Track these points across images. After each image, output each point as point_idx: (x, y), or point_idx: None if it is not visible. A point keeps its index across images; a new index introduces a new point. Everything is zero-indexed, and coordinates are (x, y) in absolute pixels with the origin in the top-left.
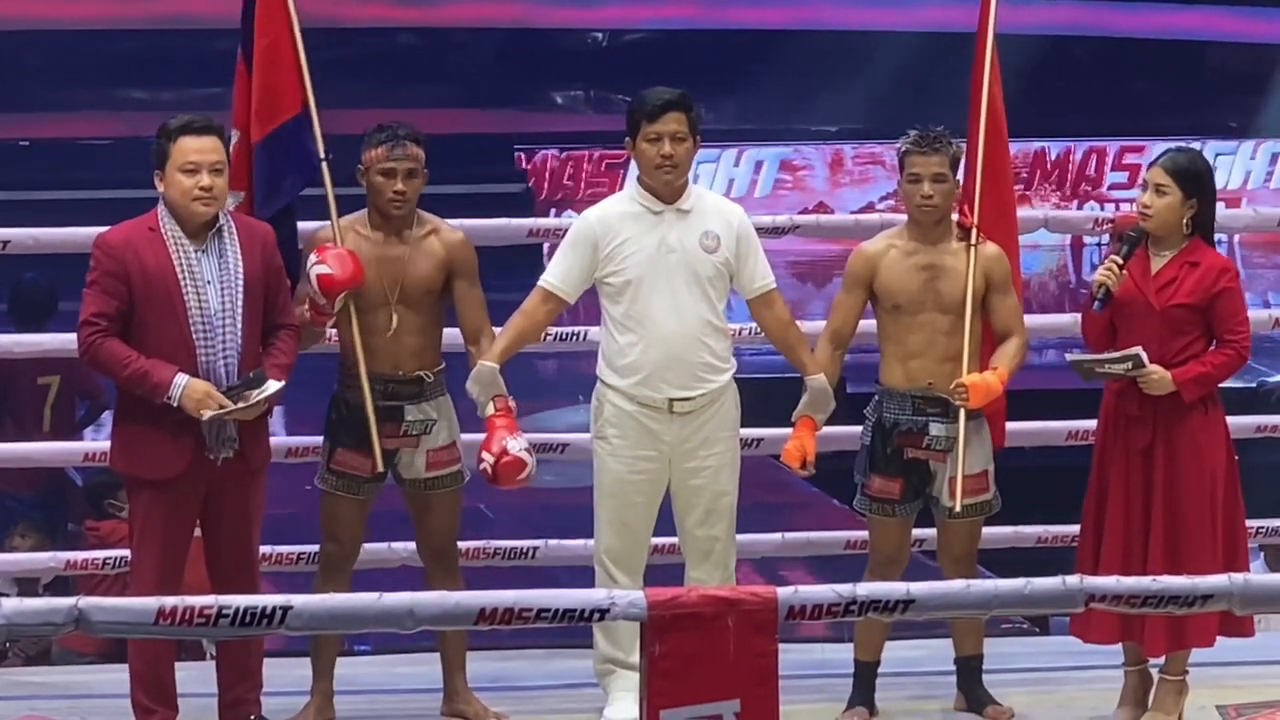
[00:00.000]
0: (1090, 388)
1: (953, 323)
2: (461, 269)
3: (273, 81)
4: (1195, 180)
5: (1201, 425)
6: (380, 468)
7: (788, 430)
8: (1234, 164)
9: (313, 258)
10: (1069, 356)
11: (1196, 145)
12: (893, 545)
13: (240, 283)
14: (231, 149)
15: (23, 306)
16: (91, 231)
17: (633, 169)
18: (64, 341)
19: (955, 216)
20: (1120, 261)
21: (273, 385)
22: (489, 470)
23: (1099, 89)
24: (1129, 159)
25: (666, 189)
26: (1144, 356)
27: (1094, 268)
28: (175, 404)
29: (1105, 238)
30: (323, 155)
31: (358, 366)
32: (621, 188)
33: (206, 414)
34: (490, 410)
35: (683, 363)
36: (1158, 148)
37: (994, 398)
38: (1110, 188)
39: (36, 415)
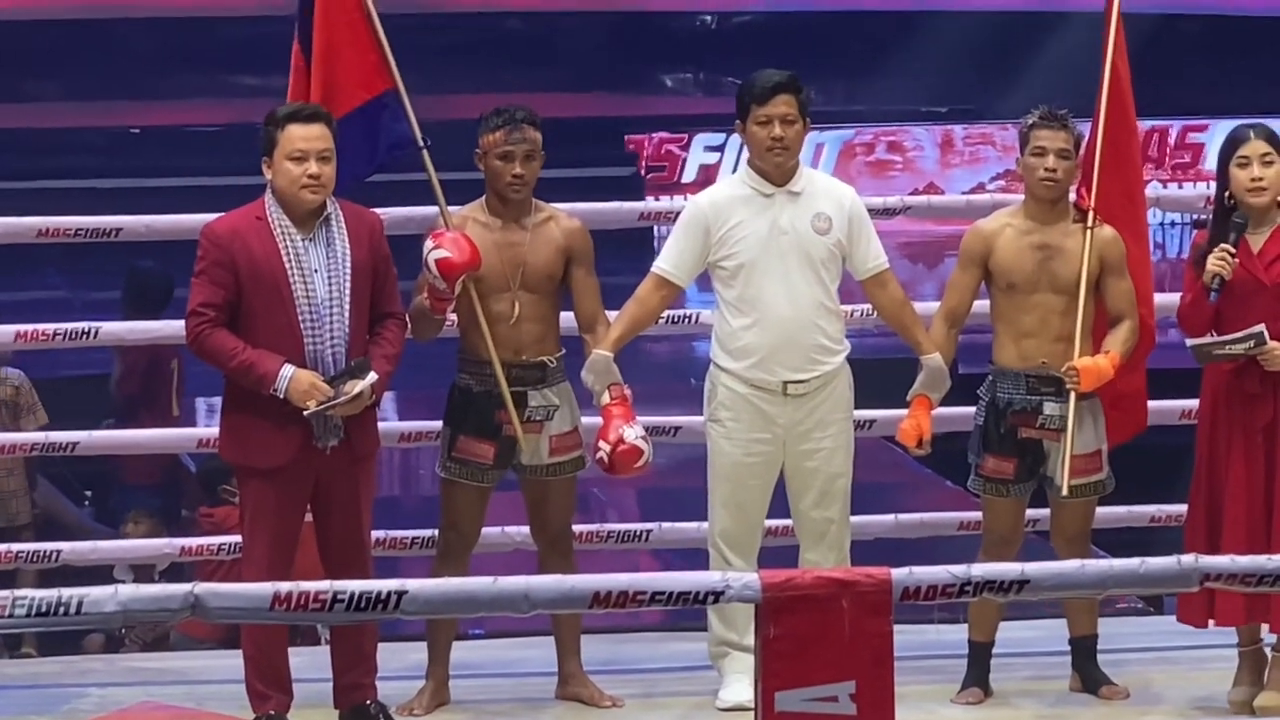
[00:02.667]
0: (1194, 367)
1: (1067, 303)
2: (579, 256)
3: (328, 76)
4: None
5: None
6: (521, 440)
7: (901, 412)
8: None
9: (428, 244)
10: (1189, 342)
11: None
12: (1007, 525)
13: (348, 271)
14: None
15: (139, 294)
16: (203, 219)
17: (694, 154)
18: (176, 329)
19: (1073, 198)
20: (1232, 250)
21: (372, 376)
22: (605, 459)
23: (1169, 67)
24: (1192, 138)
25: (777, 171)
26: (1266, 334)
27: (1158, 247)
28: (282, 395)
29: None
30: (421, 142)
31: (484, 352)
32: (681, 172)
33: (309, 410)
34: (606, 399)
35: (797, 345)
36: (1221, 126)
37: (1105, 381)
38: (1173, 167)
39: (166, 401)
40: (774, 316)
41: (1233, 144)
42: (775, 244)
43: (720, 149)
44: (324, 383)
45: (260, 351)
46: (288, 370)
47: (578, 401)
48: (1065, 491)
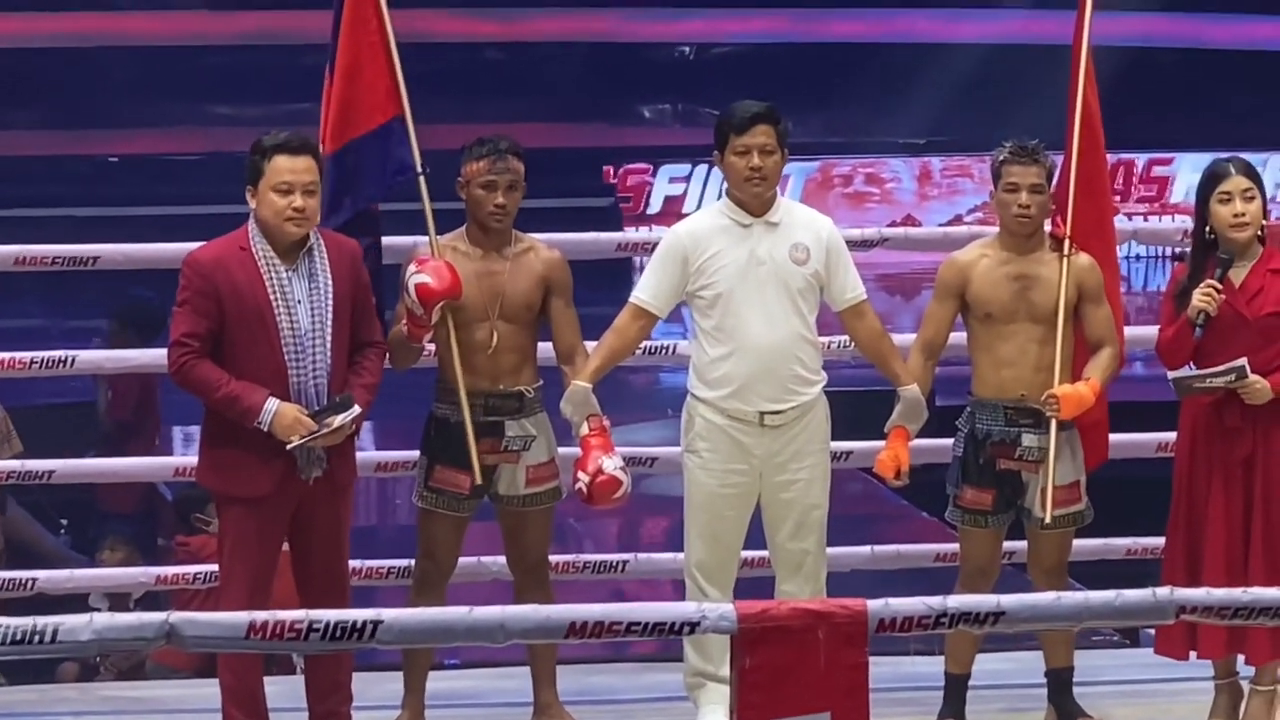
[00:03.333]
0: (1167, 400)
1: (1045, 333)
2: (558, 287)
3: (348, 96)
4: (1262, 183)
5: None
6: (479, 480)
7: (878, 443)
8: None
9: (411, 268)
10: (1170, 376)
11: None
12: (984, 557)
13: (330, 302)
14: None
15: (131, 323)
16: (180, 247)
17: (659, 185)
18: (154, 357)
19: (1048, 227)
20: (1218, 285)
21: (355, 410)
22: (584, 490)
23: (1134, 100)
24: (1157, 171)
25: (755, 201)
26: (1248, 368)
27: (1123, 280)
28: (266, 429)
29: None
30: (420, 169)
31: (457, 382)
32: (647, 203)
33: (293, 444)
34: (584, 430)
35: (774, 375)
36: (1187, 160)
37: (1085, 409)
38: (1138, 200)
39: (154, 429)
40: (751, 346)
41: (1213, 179)
42: (753, 274)
43: (686, 179)
44: (307, 417)
45: (244, 384)
46: (272, 404)
47: (555, 432)
48: (1047, 521)
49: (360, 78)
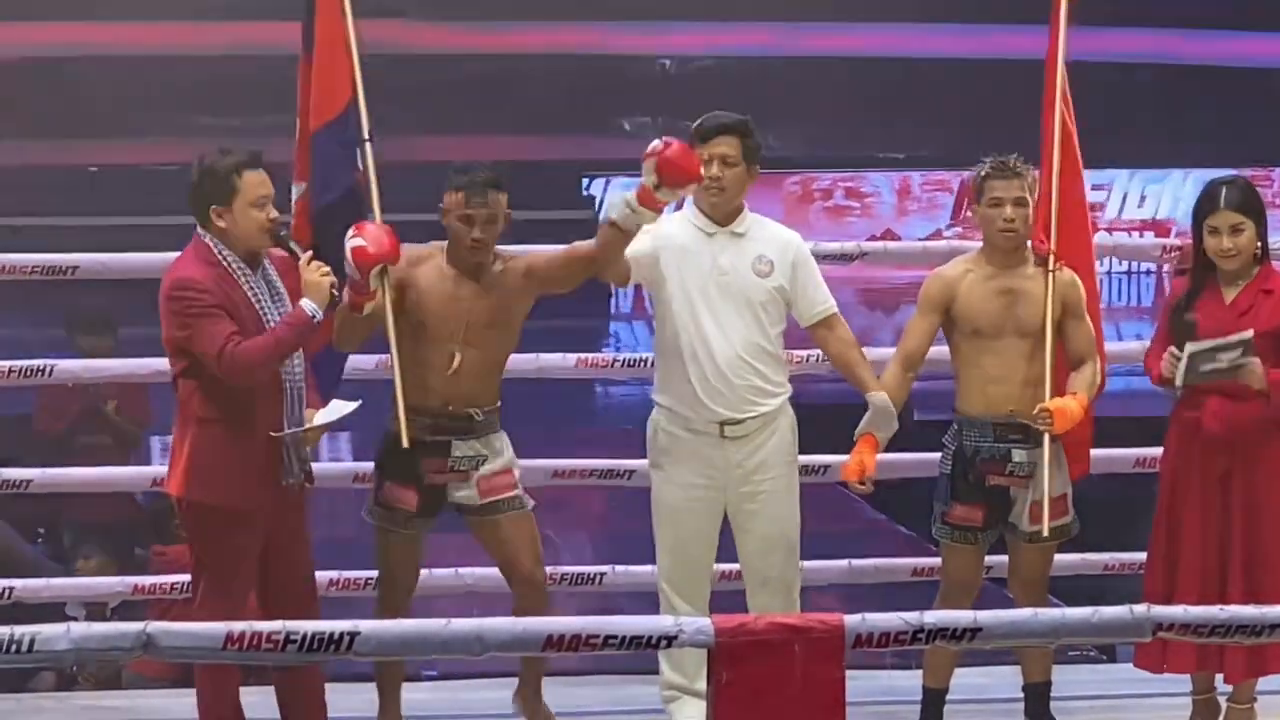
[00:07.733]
0: (1154, 415)
1: (1032, 347)
2: (537, 265)
3: (330, 73)
4: (1260, 204)
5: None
6: (405, 442)
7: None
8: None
9: (350, 232)
10: (1188, 348)
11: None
12: (970, 572)
13: (287, 303)
14: (295, 139)
15: (79, 331)
16: (158, 257)
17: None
18: (132, 367)
19: (1030, 243)
20: (1177, 354)
21: (351, 405)
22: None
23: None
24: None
25: (715, 211)
26: (1253, 343)
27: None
28: (321, 316)
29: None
30: (366, 136)
31: (409, 397)
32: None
33: (287, 433)
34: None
35: (731, 386)
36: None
37: (1075, 422)
38: None
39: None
40: (709, 356)
41: (1205, 205)
42: (714, 283)
43: None
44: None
45: (278, 324)
46: (306, 302)
47: (516, 449)
48: (1045, 533)
49: (336, 56)
